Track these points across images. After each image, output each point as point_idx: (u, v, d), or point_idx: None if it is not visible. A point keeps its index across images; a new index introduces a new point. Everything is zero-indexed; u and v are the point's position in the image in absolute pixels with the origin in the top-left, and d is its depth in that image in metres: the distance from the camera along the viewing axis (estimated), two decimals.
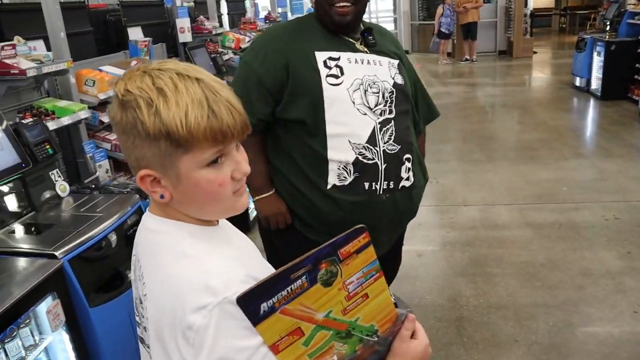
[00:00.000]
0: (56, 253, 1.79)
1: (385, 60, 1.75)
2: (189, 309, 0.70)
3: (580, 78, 7.74)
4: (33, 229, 2.05)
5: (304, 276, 0.66)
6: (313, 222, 1.73)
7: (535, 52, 11.75)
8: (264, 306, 0.64)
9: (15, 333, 1.66)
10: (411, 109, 1.81)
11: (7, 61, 2.13)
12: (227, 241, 0.84)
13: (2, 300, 1.58)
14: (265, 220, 1.80)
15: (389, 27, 15.55)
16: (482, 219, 3.83)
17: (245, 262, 0.79)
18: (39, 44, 2.59)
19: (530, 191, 4.27)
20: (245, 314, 0.64)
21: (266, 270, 0.85)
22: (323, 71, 1.63)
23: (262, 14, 7.20)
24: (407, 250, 3.40)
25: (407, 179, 1.73)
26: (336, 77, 1.63)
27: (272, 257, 1.88)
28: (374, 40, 1.76)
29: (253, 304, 0.64)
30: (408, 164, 1.73)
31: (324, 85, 1.61)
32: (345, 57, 1.67)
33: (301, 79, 1.63)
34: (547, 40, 15.15)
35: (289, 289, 0.65)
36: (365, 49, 1.73)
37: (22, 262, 1.80)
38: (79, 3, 3.25)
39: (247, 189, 0.83)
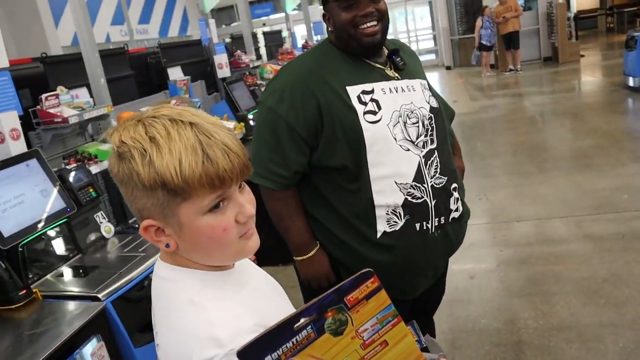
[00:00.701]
0: (99, 295, 1.82)
1: (417, 83, 1.58)
2: None
3: (634, 78, 7.37)
4: (81, 271, 2.11)
5: (309, 326, 0.62)
6: (359, 269, 1.59)
7: (582, 56, 11.33)
8: (268, 359, 0.60)
9: None
10: (448, 132, 1.67)
11: (51, 110, 2.23)
12: (241, 285, 0.80)
13: (47, 344, 1.61)
14: (306, 282, 1.65)
15: (429, 44, 15.49)
16: (537, 235, 3.64)
17: (259, 309, 0.75)
18: (83, 91, 2.71)
19: (588, 202, 4.04)
20: None
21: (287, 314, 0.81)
22: (359, 108, 1.46)
23: (300, 43, 7.33)
24: (459, 272, 3.30)
25: (456, 209, 1.60)
26: (374, 113, 1.46)
27: None
28: (403, 62, 1.59)
29: (257, 357, 0.60)
30: (455, 194, 1.59)
31: (363, 124, 1.45)
32: (378, 87, 1.50)
33: (337, 121, 1.46)
34: (594, 42, 14.62)
35: (294, 340, 0.61)
36: (396, 75, 1.56)
37: (67, 305, 1.84)
38: (119, 49, 3.39)
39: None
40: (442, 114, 1.63)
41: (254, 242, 0.78)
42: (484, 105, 8.44)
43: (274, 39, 6.61)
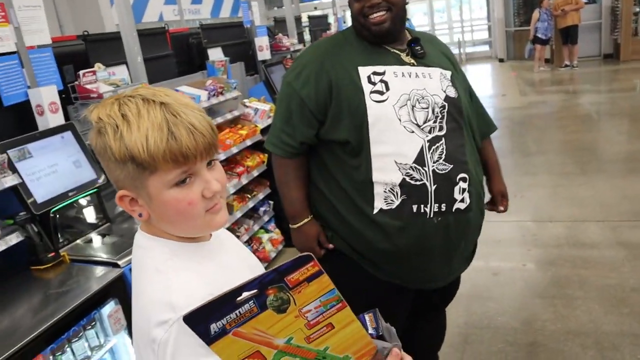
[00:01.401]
0: (119, 262, 1.93)
1: (436, 71, 1.62)
2: (153, 323, 0.74)
3: None
4: (107, 238, 2.23)
5: (252, 301, 0.66)
6: (359, 248, 1.64)
7: None
8: (213, 327, 0.65)
9: (81, 334, 1.81)
10: (466, 123, 1.67)
11: (88, 86, 2.36)
12: (210, 258, 0.86)
13: (69, 302, 1.74)
14: (297, 249, 1.75)
15: (483, 35, 15.06)
16: (569, 237, 3.55)
17: (222, 282, 0.80)
18: (122, 69, 2.83)
19: (628, 207, 3.88)
20: (196, 332, 0.65)
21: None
22: (367, 87, 1.54)
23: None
24: (482, 268, 3.26)
25: (462, 200, 1.59)
26: (381, 93, 1.54)
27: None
28: (423, 51, 1.63)
29: (202, 323, 0.65)
30: (463, 185, 1.58)
31: (368, 102, 1.52)
32: (390, 70, 1.57)
33: (344, 98, 1.55)
34: None
35: (237, 312, 0.65)
36: (413, 61, 1.62)
37: (91, 269, 1.97)
38: (158, 29, 3.50)
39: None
40: (459, 105, 1.63)
41: (222, 217, 0.83)
42: (533, 100, 8.18)
43: (320, 23, 6.61)
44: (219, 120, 3.20)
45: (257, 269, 1.00)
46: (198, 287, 0.77)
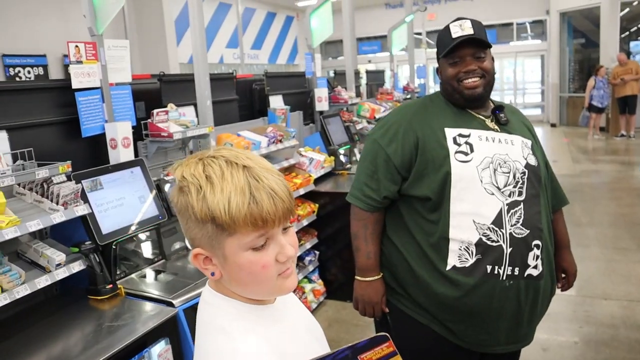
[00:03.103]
0: (174, 301, 1.95)
1: (518, 139, 1.68)
2: None
3: None
4: (162, 275, 2.27)
5: None
6: (427, 304, 1.65)
7: None
8: None
9: None
10: (543, 192, 1.69)
11: (159, 125, 2.46)
12: (276, 322, 0.85)
13: (122, 338, 1.76)
14: (355, 301, 1.78)
15: (536, 98, 14.97)
16: (625, 317, 3.37)
17: (286, 348, 0.80)
18: (190, 110, 2.95)
19: None
20: None
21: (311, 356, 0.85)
22: (452, 148, 1.61)
23: (402, 84, 7.40)
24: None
25: (535, 267, 1.59)
26: (465, 154, 1.60)
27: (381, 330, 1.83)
28: (506, 119, 1.70)
29: None
30: (537, 251, 1.59)
31: (452, 162, 1.59)
32: (475, 134, 1.64)
33: (429, 157, 1.62)
34: None
35: None
36: (496, 127, 1.68)
37: (145, 305, 1.99)
38: (227, 75, 3.65)
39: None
40: (538, 174, 1.68)
41: (292, 281, 0.83)
42: (586, 169, 7.98)
43: (376, 78, 6.74)
44: (275, 167, 3.25)
45: (317, 331, 0.98)
46: (265, 354, 0.77)
